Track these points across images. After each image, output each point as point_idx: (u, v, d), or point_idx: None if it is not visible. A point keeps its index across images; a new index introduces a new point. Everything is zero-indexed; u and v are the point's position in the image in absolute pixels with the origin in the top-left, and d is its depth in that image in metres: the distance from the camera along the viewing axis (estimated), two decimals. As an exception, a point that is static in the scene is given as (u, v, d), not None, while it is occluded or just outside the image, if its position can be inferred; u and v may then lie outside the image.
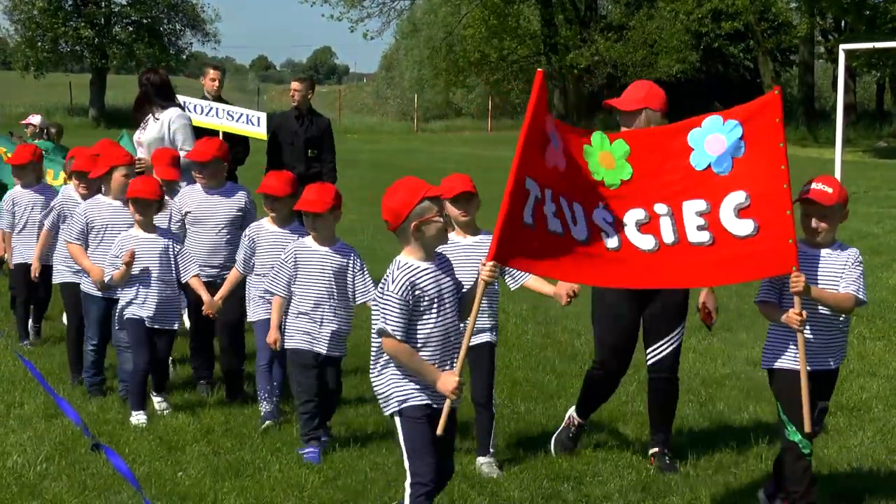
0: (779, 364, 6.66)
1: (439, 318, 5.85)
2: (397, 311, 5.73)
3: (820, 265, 6.56)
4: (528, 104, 6.20)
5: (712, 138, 6.55)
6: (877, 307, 13.24)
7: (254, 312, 8.69)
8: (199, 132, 11.22)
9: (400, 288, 5.73)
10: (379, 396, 5.95)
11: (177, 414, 8.81)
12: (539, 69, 6.44)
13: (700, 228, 6.45)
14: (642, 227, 6.49)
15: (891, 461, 8.12)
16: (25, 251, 10.75)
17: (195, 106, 12.36)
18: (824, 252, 6.59)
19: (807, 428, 6.34)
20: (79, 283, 9.52)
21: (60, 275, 9.84)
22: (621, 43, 58.24)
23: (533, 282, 7.48)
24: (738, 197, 6.43)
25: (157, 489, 7.22)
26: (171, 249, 8.75)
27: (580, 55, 58.68)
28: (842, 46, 28.22)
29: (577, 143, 6.54)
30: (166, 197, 9.09)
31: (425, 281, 5.81)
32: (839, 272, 6.54)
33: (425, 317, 5.82)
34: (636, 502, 7.08)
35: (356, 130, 56.58)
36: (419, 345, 5.80)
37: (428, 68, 68.74)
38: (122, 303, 8.72)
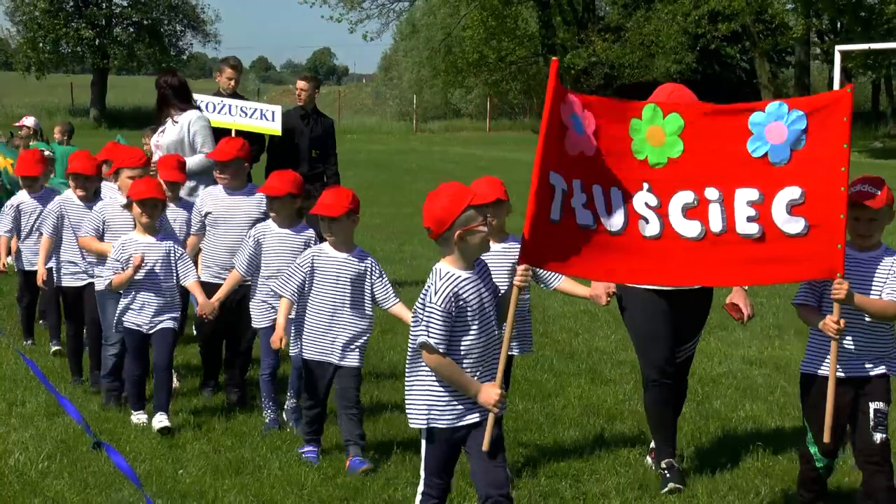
0: (810, 369, 6.47)
1: (481, 329, 5.63)
2: (440, 323, 5.50)
3: (864, 270, 6.31)
4: (546, 96, 5.94)
5: (774, 125, 6.19)
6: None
7: (258, 318, 8.50)
8: (215, 132, 11.09)
9: (443, 300, 5.51)
10: (408, 407, 5.77)
11: (178, 412, 8.77)
12: (554, 58, 6.27)
13: (750, 220, 6.14)
14: (689, 210, 6.18)
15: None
16: (34, 258, 10.46)
17: (207, 104, 12.04)
18: (869, 256, 6.35)
19: (826, 438, 6.11)
20: (80, 287, 9.47)
21: (62, 279, 9.65)
22: (619, 44, 58.24)
23: (566, 284, 7.33)
24: (793, 192, 6.10)
25: (157, 487, 7.21)
26: (172, 253, 8.48)
27: (577, 56, 58.68)
28: (837, 48, 28.05)
29: (622, 117, 6.22)
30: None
31: (468, 291, 5.60)
32: (883, 278, 6.29)
33: (467, 327, 5.60)
34: (633, 500, 7.08)
35: (355, 131, 56.51)
36: (461, 356, 5.59)
37: (427, 69, 68.80)
38: (120, 306, 8.51)
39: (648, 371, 7.38)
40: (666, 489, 7.15)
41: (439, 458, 5.73)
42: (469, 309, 5.58)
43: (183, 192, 9.63)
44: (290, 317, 7.83)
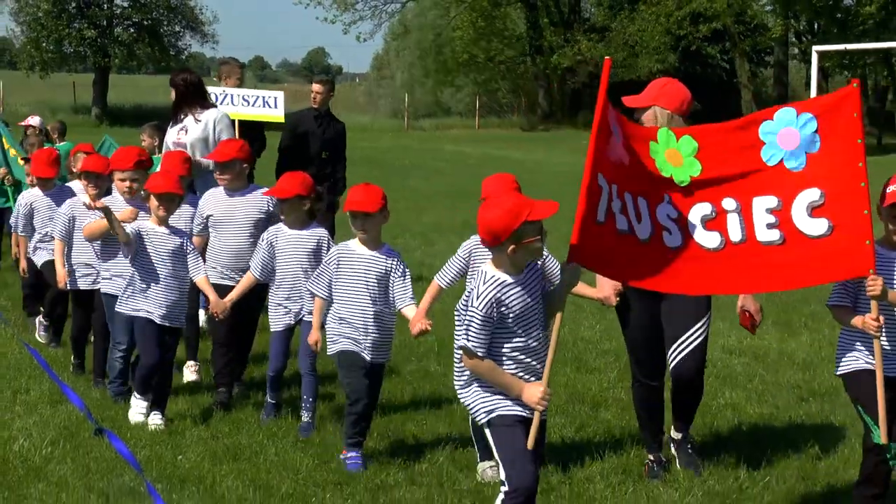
0: (854, 367, 6.16)
1: (525, 332, 5.44)
2: (480, 327, 5.32)
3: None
4: (598, 96, 5.76)
5: (785, 132, 6.02)
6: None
7: (273, 321, 8.31)
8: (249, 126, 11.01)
9: (484, 305, 5.33)
10: (467, 408, 5.63)
11: (176, 399, 8.78)
12: (607, 57, 6.06)
13: (770, 227, 5.94)
14: (708, 222, 5.99)
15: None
16: (48, 255, 10.16)
17: (214, 94, 11.78)
18: None
19: (882, 438, 5.84)
20: (93, 291, 9.29)
21: (77, 282, 9.46)
22: (603, 44, 58.39)
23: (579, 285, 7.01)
24: (811, 195, 5.90)
25: (157, 472, 7.22)
26: (185, 246, 8.26)
27: (564, 56, 58.96)
28: (815, 48, 28.35)
29: (643, 138, 6.09)
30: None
31: (511, 296, 5.39)
32: None
33: (510, 332, 5.40)
34: (617, 484, 7.09)
35: (349, 128, 56.05)
36: (503, 358, 5.41)
37: (418, 69, 68.89)
38: (128, 291, 8.23)
39: (636, 371, 7.34)
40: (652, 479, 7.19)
41: (512, 443, 5.41)
42: (511, 314, 5.39)
43: None
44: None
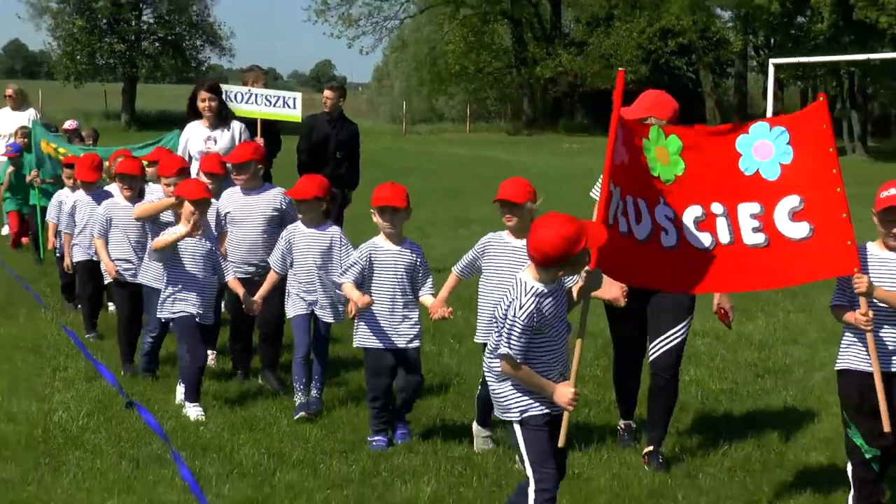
0: (844, 365, 5.91)
1: (556, 335, 5.26)
2: (520, 335, 5.11)
3: (893, 268, 5.76)
4: (613, 106, 5.65)
5: (759, 144, 5.94)
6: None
7: (291, 309, 8.12)
8: (243, 121, 10.77)
9: (526, 315, 5.10)
10: (498, 405, 5.39)
11: (203, 379, 8.68)
12: (620, 69, 5.90)
13: (755, 230, 5.85)
14: (699, 224, 5.88)
15: (808, 417, 8.21)
16: (90, 250, 10.04)
17: (235, 94, 11.54)
18: None
19: (885, 427, 5.57)
20: (133, 284, 9.12)
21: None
22: (581, 57, 58.45)
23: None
24: (792, 201, 5.81)
25: (182, 441, 7.25)
26: (215, 250, 8.16)
27: (546, 67, 58.98)
28: (771, 61, 28.34)
29: (639, 135, 5.92)
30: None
31: (548, 305, 5.19)
32: None
33: (543, 336, 5.20)
34: (593, 452, 7.11)
35: (353, 132, 56.22)
36: (535, 360, 5.20)
37: (414, 79, 68.75)
38: (165, 294, 8.07)
39: (619, 353, 7.33)
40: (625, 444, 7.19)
41: (540, 445, 5.24)
42: (545, 321, 5.19)
43: None
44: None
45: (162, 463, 6.82)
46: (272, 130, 11.52)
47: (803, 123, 5.92)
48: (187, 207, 7.89)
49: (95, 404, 8.05)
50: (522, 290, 5.16)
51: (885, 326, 5.74)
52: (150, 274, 8.69)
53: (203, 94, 10.21)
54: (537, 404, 5.24)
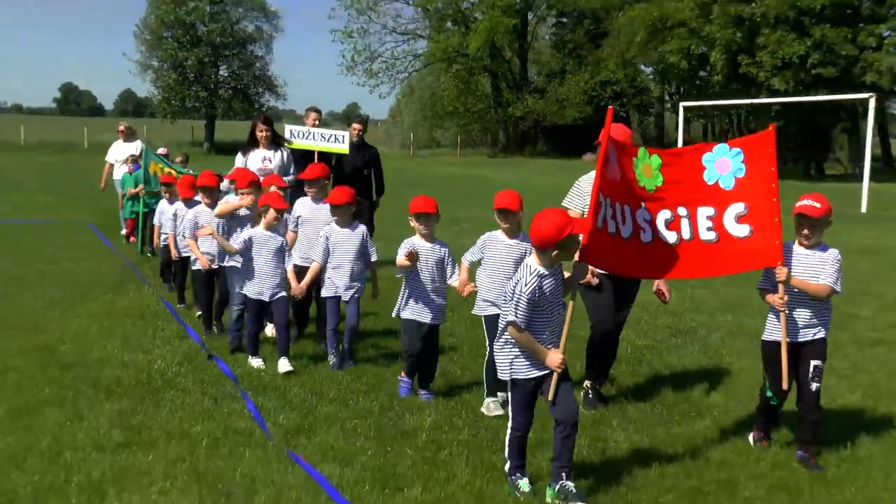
0: (765, 336, 5.83)
1: (551, 310, 5.05)
2: (525, 307, 4.94)
3: (806, 262, 5.68)
4: (602, 135, 5.46)
5: (720, 160, 5.76)
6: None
7: (325, 291, 7.86)
8: (306, 155, 10.69)
9: (529, 290, 4.93)
10: (498, 364, 5.19)
11: (263, 345, 8.51)
12: (609, 107, 5.77)
13: (709, 229, 5.70)
14: (669, 224, 5.70)
15: (708, 366, 8.18)
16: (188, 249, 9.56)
17: (298, 132, 11.36)
18: (811, 252, 5.70)
19: (784, 385, 5.59)
20: (214, 268, 8.90)
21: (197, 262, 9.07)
22: (542, 100, 58.35)
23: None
24: (738, 207, 5.67)
25: (247, 383, 7.25)
26: (284, 246, 7.97)
27: (516, 108, 59.09)
28: (681, 104, 28.33)
29: (630, 155, 5.70)
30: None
31: (547, 284, 5.01)
32: (820, 267, 5.65)
33: (542, 310, 5.01)
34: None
35: (374, 156, 56.17)
36: (535, 330, 5.01)
37: (419, 116, 68.78)
38: (248, 277, 7.88)
39: (596, 323, 6.94)
40: (590, 408, 6.80)
41: (521, 399, 5.14)
42: (545, 296, 5.01)
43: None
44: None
45: (233, 399, 6.81)
46: (327, 157, 11.49)
47: (755, 146, 5.74)
48: (271, 213, 7.83)
49: (185, 356, 8.04)
50: (528, 272, 5.02)
51: (797, 307, 5.68)
52: (232, 261, 8.52)
53: (260, 126, 10.23)
54: (526, 370, 5.08)
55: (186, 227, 9.27)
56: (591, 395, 6.89)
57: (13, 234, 16.38)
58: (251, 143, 10.32)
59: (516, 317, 4.96)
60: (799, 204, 5.66)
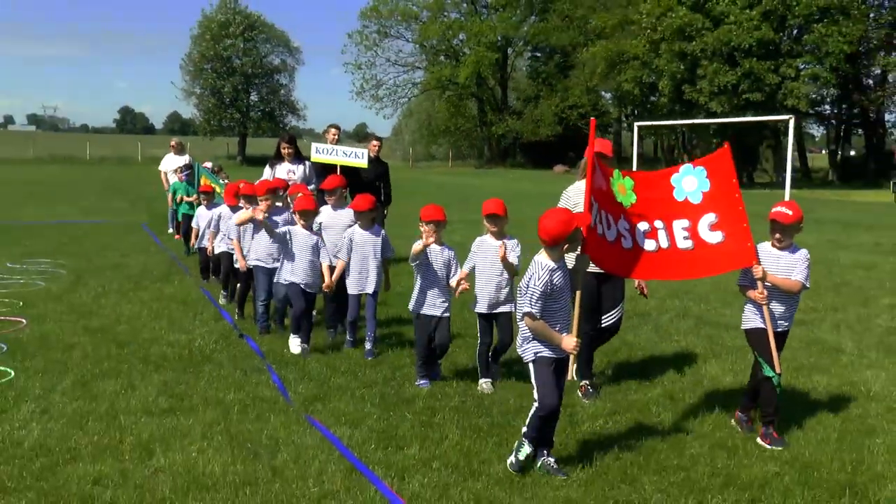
0: (752, 325, 5.49)
1: (562, 299, 4.80)
2: (538, 298, 4.69)
3: (780, 261, 5.44)
4: (588, 146, 5.27)
5: (687, 179, 5.54)
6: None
7: (350, 286, 7.52)
8: (325, 166, 10.47)
9: (542, 284, 4.69)
10: (521, 348, 4.87)
11: (286, 328, 8.31)
12: (592, 118, 5.63)
13: (685, 238, 5.46)
14: (647, 234, 5.45)
15: (660, 343, 8.11)
16: (227, 245, 9.45)
17: (322, 148, 10.99)
18: (783, 253, 5.46)
19: (777, 369, 5.38)
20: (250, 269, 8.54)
21: (233, 259, 8.93)
22: (520, 121, 58.24)
23: None
24: (710, 217, 5.44)
25: (272, 359, 7.16)
26: (318, 243, 7.69)
27: (498, 127, 58.94)
28: (636, 123, 28.24)
29: (607, 175, 5.45)
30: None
31: (556, 276, 4.75)
32: (792, 266, 5.43)
33: (553, 299, 4.75)
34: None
35: (380, 167, 55.94)
36: (549, 318, 4.75)
37: (417, 134, 68.63)
38: (284, 270, 7.58)
39: (582, 324, 6.45)
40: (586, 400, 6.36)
41: (546, 378, 4.79)
42: (555, 288, 4.75)
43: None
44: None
45: (260, 371, 6.73)
46: (348, 170, 11.30)
47: (716, 162, 5.53)
48: (299, 217, 7.62)
49: (220, 336, 7.96)
50: (539, 267, 4.75)
51: (773, 301, 5.46)
52: (254, 255, 8.37)
53: (284, 144, 10.27)
54: (546, 351, 4.79)
55: (232, 230, 9.00)
56: (590, 391, 6.48)
57: (81, 234, 16.21)
58: (277, 157, 10.26)
59: (532, 308, 4.72)
60: (773, 211, 5.46)
